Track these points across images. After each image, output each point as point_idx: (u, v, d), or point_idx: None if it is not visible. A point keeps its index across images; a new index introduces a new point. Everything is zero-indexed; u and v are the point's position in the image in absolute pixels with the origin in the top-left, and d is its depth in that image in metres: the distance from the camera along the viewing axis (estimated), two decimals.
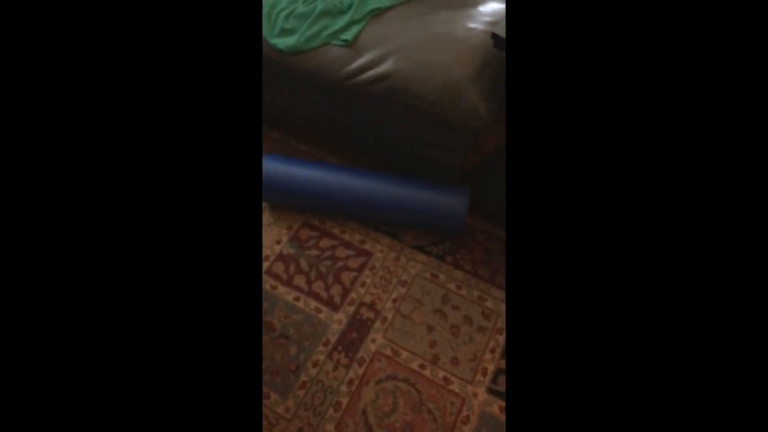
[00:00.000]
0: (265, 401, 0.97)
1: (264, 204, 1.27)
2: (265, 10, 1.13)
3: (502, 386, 1.01)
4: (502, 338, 1.08)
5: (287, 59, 1.11)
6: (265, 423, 0.95)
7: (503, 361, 1.04)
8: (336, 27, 1.08)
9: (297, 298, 1.12)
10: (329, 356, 1.03)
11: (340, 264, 1.18)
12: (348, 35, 1.07)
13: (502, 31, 0.95)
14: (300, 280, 1.14)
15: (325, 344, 1.05)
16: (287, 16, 1.10)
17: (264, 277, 1.15)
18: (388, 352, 1.04)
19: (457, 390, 1.00)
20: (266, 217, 1.25)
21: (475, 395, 0.99)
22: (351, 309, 1.10)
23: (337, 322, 1.08)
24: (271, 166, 1.18)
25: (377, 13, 1.09)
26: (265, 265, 1.17)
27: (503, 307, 1.12)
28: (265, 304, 1.11)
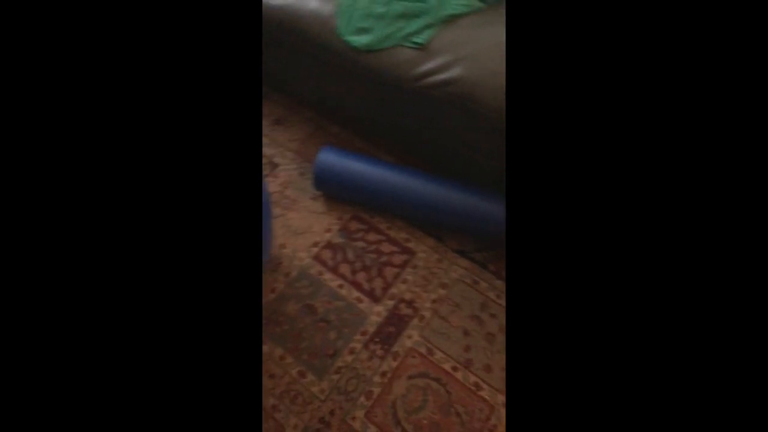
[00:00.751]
0: (301, 380, 1.02)
1: (318, 193, 1.32)
2: (342, 8, 1.18)
3: None
4: None
5: (359, 57, 1.15)
6: (299, 401, 1.00)
7: None
8: (410, 29, 1.11)
9: (341, 286, 1.16)
10: (365, 346, 1.07)
11: (384, 259, 1.21)
12: (421, 38, 1.10)
13: None
14: (345, 269, 1.18)
15: (363, 334, 1.09)
16: (365, 16, 1.14)
17: (312, 261, 1.20)
18: (423, 350, 1.06)
19: (487, 397, 1.01)
20: (319, 206, 1.30)
21: (504, 405, 1.00)
22: (390, 303, 1.13)
23: (376, 314, 1.12)
24: (328, 158, 1.23)
25: (451, 19, 1.12)
26: (314, 250, 1.22)
27: None
28: (310, 288, 1.15)
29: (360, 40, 1.13)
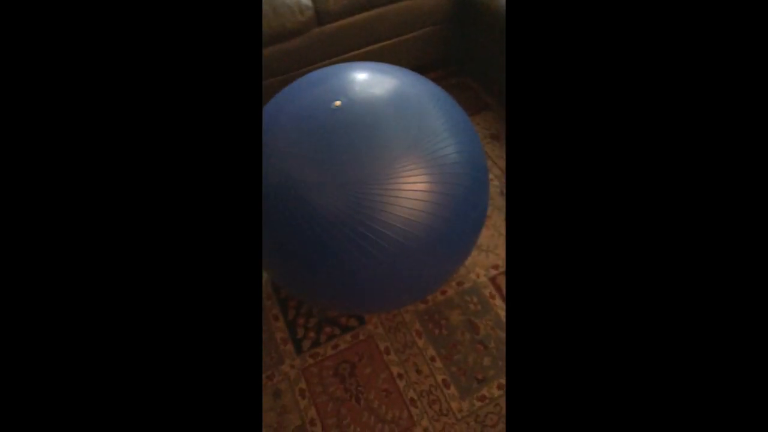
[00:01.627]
0: (444, 389, 1.02)
1: None
2: None
3: None
4: None
5: None
6: (436, 407, 0.99)
7: None
8: None
9: None
10: None
11: None
12: None
13: None
14: None
15: None
16: None
17: (486, 282, 1.18)
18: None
19: None
20: None
21: None
22: None
23: None
24: None
25: None
26: (493, 273, 1.20)
27: None
28: (478, 307, 1.14)
29: None
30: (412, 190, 0.78)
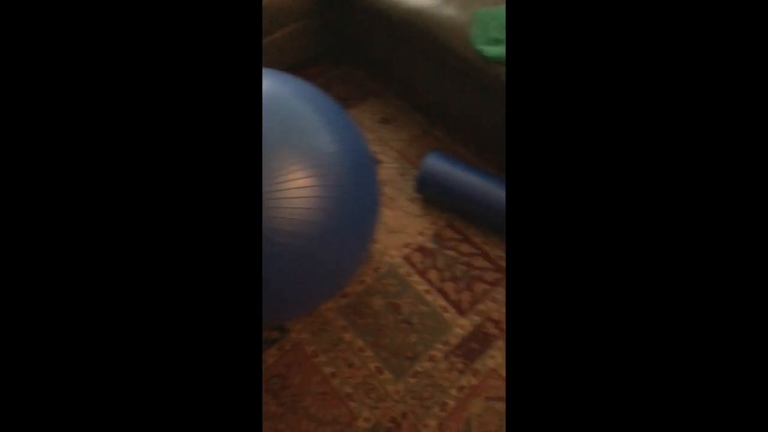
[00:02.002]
0: (378, 376, 1.02)
1: (416, 195, 1.33)
2: (478, 17, 1.18)
3: None
4: None
5: (488, 68, 1.14)
6: (374, 395, 1.00)
7: None
8: None
9: (427, 291, 1.15)
10: (446, 357, 1.05)
11: (475, 273, 1.18)
12: None
13: None
14: (433, 276, 1.18)
15: (445, 343, 1.07)
16: (501, 27, 1.14)
17: (401, 261, 1.20)
18: (505, 374, 1.02)
19: None
20: (416, 208, 1.31)
21: None
22: (477, 319, 1.10)
23: (460, 326, 1.09)
24: (435, 163, 1.23)
25: None
26: (406, 251, 1.22)
27: None
28: (397, 287, 1.16)
29: (493, 50, 1.13)
30: (290, 188, 0.76)
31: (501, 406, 0.98)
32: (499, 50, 1.12)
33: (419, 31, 1.26)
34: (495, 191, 1.18)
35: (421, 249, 1.23)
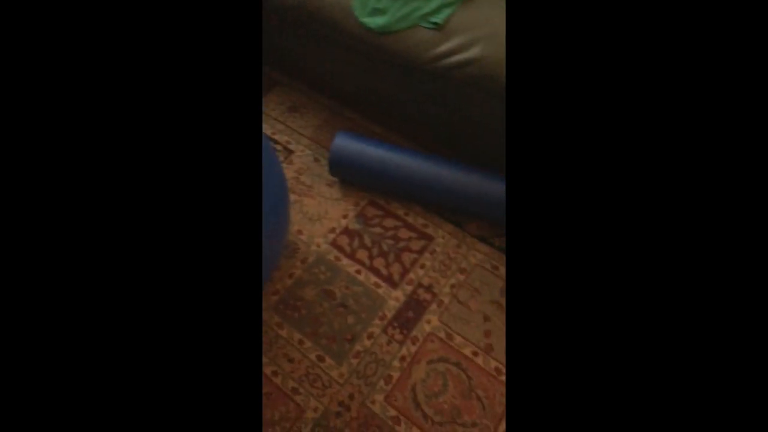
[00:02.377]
0: (320, 364, 1.02)
1: (334, 179, 1.31)
2: None
3: None
4: None
5: (375, 39, 1.13)
6: (318, 384, 0.99)
7: None
8: (427, 9, 1.09)
9: (358, 271, 1.15)
10: (384, 330, 1.06)
11: (401, 244, 1.20)
12: (438, 18, 1.08)
13: None
14: (362, 255, 1.18)
15: (381, 318, 1.08)
16: None
17: (329, 247, 1.19)
18: (442, 335, 1.05)
19: None
20: (335, 192, 1.30)
21: None
22: (409, 288, 1.12)
23: (394, 299, 1.11)
24: (344, 143, 1.22)
25: None
26: (331, 237, 1.21)
27: None
28: (328, 274, 1.15)
29: (375, 21, 1.12)
30: None
31: (442, 367, 1.01)
32: (381, 20, 1.12)
33: (303, 12, 1.22)
34: (407, 161, 1.19)
35: (347, 231, 1.22)
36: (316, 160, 1.36)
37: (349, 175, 1.25)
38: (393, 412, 0.96)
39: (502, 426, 0.95)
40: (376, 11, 1.12)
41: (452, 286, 1.13)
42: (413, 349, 1.04)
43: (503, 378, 1.00)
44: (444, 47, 1.06)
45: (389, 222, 1.24)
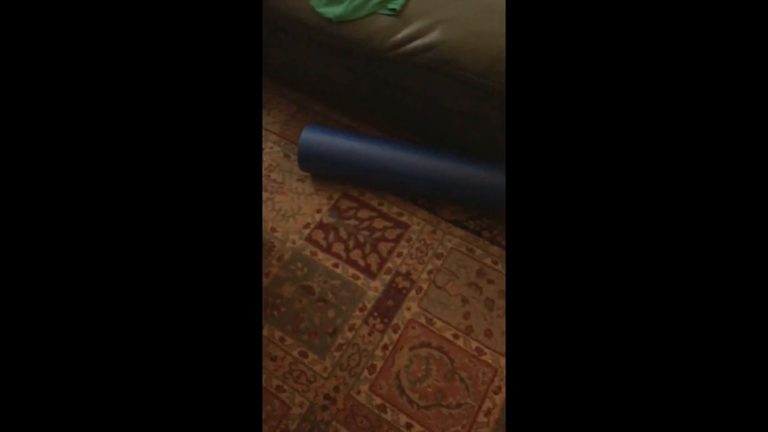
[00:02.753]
0: (303, 360, 1.02)
1: (305, 174, 1.30)
2: None
3: None
4: None
5: (334, 29, 1.12)
6: (303, 380, 1.00)
7: None
8: None
9: (336, 265, 1.15)
10: (365, 321, 1.07)
11: (377, 234, 1.20)
12: (395, 4, 1.07)
13: None
14: (339, 248, 1.18)
15: (362, 310, 1.08)
16: None
17: (304, 243, 1.19)
18: (423, 321, 1.06)
19: (489, 361, 1.01)
20: (307, 187, 1.29)
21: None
22: (387, 278, 1.13)
23: (373, 289, 1.11)
24: (311, 137, 1.21)
25: None
26: (306, 232, 1.20)
27: None
28: (305, 269, 1.14)
29: (333, 10, 1.10)
30: None
31: (425, 352, 1.03)
32: (338, 10, 1.10)
33: (266, 7, 1.20)
34: (377, 150, 1.19)
35: (322, 226, 1.22)
36: (286, 156, 1.35)
37: (319, 168, 1.24)
38: (378, 401, 0.97)
39: (486, 404, 0.97)
40: (332, 1, 1.11)
41: (430, 272, 1.14)
42: (395, 337, 1.04)
43: (484, 358, 1.02)
44: (403, 33, 1.05)
45: (364, 213, 1.24)
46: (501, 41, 0.97)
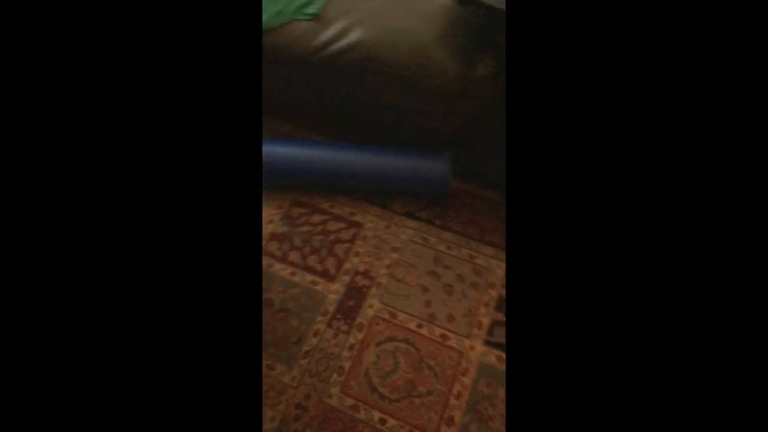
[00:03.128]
0: (270, 372, 1.01)
1: None
2: None
3: (498, 337, 1.04)
4: (494, 292, 1.10)
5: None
6: (272, 393, 0.99)
7: (498, 314, 1.07)
8: (301, 1, 1.08)
9: (293, 273, 1.15)
10: (329, 325, 1.07)
11: (332, 237, 1.20)
12: (313, 8, 1.07)
13: None
14: (295, 256, 1.17)
15: (324, 314, 1.08)
16: None
17: None
18: (386, 316, 1.07)
19: (454, 345, 1.03)
20: None
21: (472, 348, 1.02)
22: (346, 278, 1.13)
23: (334, 292, 1.11)
24: None
25: None
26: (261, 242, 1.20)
27: (494, 262, 1.15)
28: (263, 282, 1.14)
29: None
30: None
31: (391, 346, 1.04)
32: (264, 17, 1.10)
33: None
34: (321, 154, 1.19)
35: (275, 236, 1.21)
36: None
37: (266, 179, 1.24)
38: (351, 401, 0.97)
39: (456, 387, 0.98)
40: None
41: (388, 267, 1.15)
42: (360, 336, 1.05)
43: (450, 343, 1.03)
44: (324, 37, 1.06)
45: (316, 218, 1.24)
46: (416, 34, 0.99)
